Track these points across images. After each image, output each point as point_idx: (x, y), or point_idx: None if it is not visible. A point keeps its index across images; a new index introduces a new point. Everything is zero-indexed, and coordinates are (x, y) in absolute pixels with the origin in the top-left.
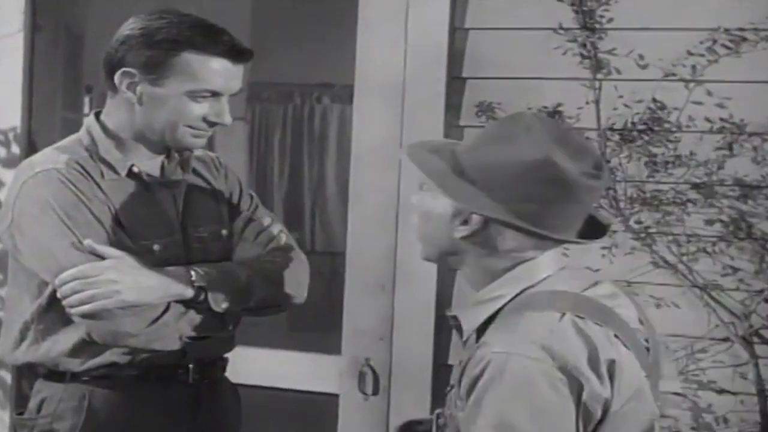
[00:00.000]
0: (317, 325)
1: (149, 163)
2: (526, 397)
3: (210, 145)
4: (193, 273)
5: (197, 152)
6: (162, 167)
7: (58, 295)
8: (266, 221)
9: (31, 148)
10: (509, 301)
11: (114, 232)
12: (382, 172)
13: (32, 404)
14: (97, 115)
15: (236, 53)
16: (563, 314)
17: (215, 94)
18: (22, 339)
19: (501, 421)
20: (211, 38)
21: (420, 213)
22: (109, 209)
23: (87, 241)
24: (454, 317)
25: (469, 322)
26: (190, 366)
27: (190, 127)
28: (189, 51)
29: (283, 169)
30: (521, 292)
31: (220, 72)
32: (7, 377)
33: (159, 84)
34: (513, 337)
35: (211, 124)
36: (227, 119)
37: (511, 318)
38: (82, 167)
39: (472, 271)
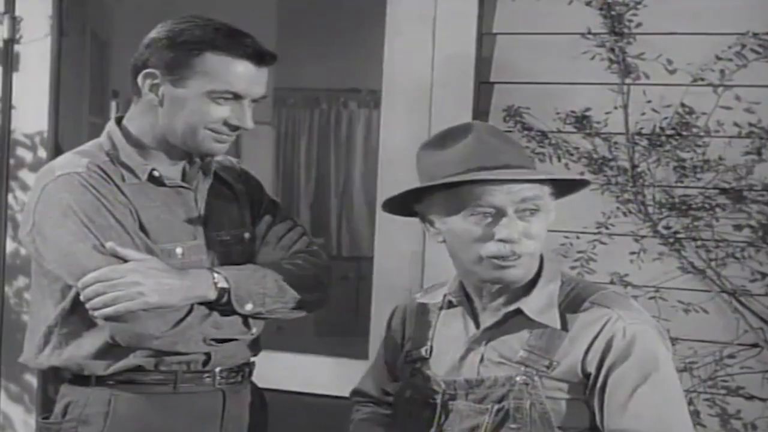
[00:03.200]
0: (344, 330)
1: (170, 168)
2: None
3: (236, 150)
4: (215, 275)
5: (218, 157)
6: (183, 171)
7: (81, 297)
8: (288, 225)
9: (57, 152)
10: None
11: (136, 235)
12: (410, 177)
13: (57, 409)
14: (118, 121)
15: (259, 56)
16: None
17: (237, 97)
18: (45, 343)
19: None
20: (234, 40)
21: (545, 232)
22: (130, 212)
23: (109, 244)
24: (517, 310)
25: (545, 315)
26: (216, 370)
27: (212, 131)
28: (211, 51)
29: (310, 173)
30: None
31: (242, 74)
32: (33, 381)
33: (180, 84)
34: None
35: (233, 128)
36: (249, 123)
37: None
38: (103, 171)
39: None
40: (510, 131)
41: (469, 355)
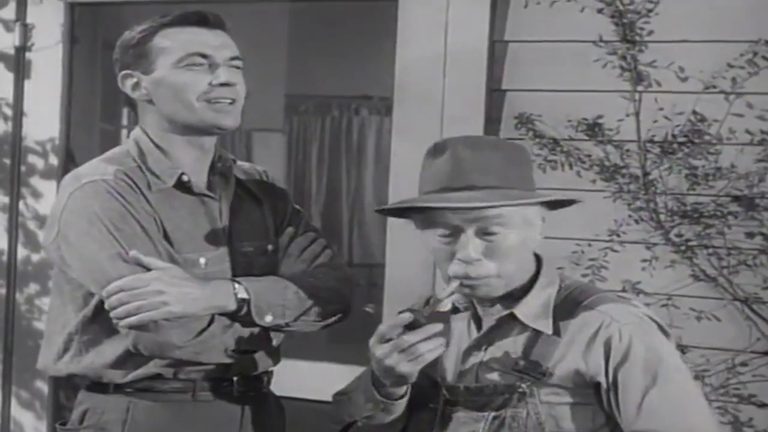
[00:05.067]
0: (355, 337)
1: (195, 174)
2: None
3: (248, 157)
4: (236, 285)
5: (244, 166)
6: (207, 180)
7: (106, 306)
8: (311, 237)
9: (69, 159)
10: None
11: (160, 244)
12: None
13: (75, 415)
14: (142, 128)
15: (205, 19)
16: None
17: (207, 59)
18: (65, 350)
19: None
20: (179, 15)
21: (516, 249)
22: (155, 221)
23: (133, 253)
24: (510, 315)
25: (537, 319)
26: (235, 379)
27: (207, 101)
28: (162, 30)
29: (321, 180)
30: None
31: (198, 37)
32: (44, 388)
33: (152, 70)
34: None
35: (221, 87)
36: (234, 78)
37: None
38: (130, 178)
39: (512, 275)
40: (522, 138)
41: (468, 361)
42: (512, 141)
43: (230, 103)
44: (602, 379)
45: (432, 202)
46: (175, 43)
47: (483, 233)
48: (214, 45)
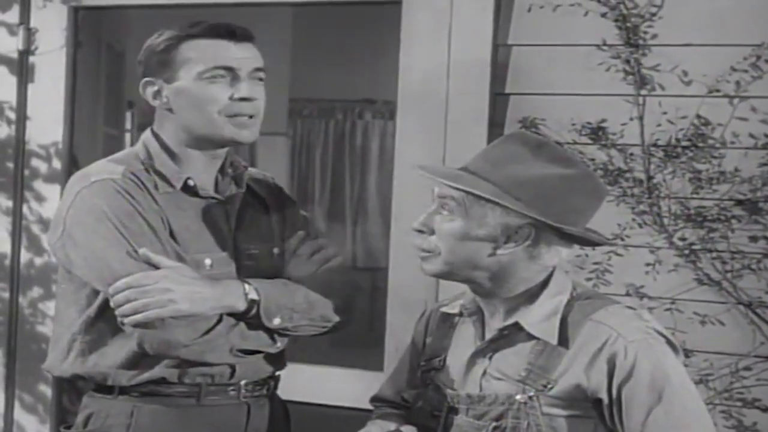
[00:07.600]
0: (358, 341)
1: (203, 177)
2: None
3: (252, 160)
4: (246, 286)
5: (252, 171)
6: (216, 183)
7: (112, 304)
8: (322, 242)
9: (72, 163)
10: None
11: (168, 243)
12: (425, 188)
13: (79, 419)
14: (153, 131)
15: (232, 32)
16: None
17: (230, 72)
18: (69, 351)
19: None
20: (206, 26)
21: (454, 237)
22: (162, 221)
23: (142, 250)
24: (516, 324)
25: (542, 329)
26: (242, 383)
27: (228, 116)
28: (188, 40)
29: (325, 184)
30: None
31: (223, 50)
32: (48, 391)
33: (174, 79)
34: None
35: (242, 101)
36: (255, 93)
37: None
38: (138, 178)
39: (497, 283)
40: None
41: (473, 369)
42: (586, 172)
43: (250, 118)
44: (603, 396)
45: (426, 170)
46: (200, 54)
47: (438, 207)
48: (238, 57)
